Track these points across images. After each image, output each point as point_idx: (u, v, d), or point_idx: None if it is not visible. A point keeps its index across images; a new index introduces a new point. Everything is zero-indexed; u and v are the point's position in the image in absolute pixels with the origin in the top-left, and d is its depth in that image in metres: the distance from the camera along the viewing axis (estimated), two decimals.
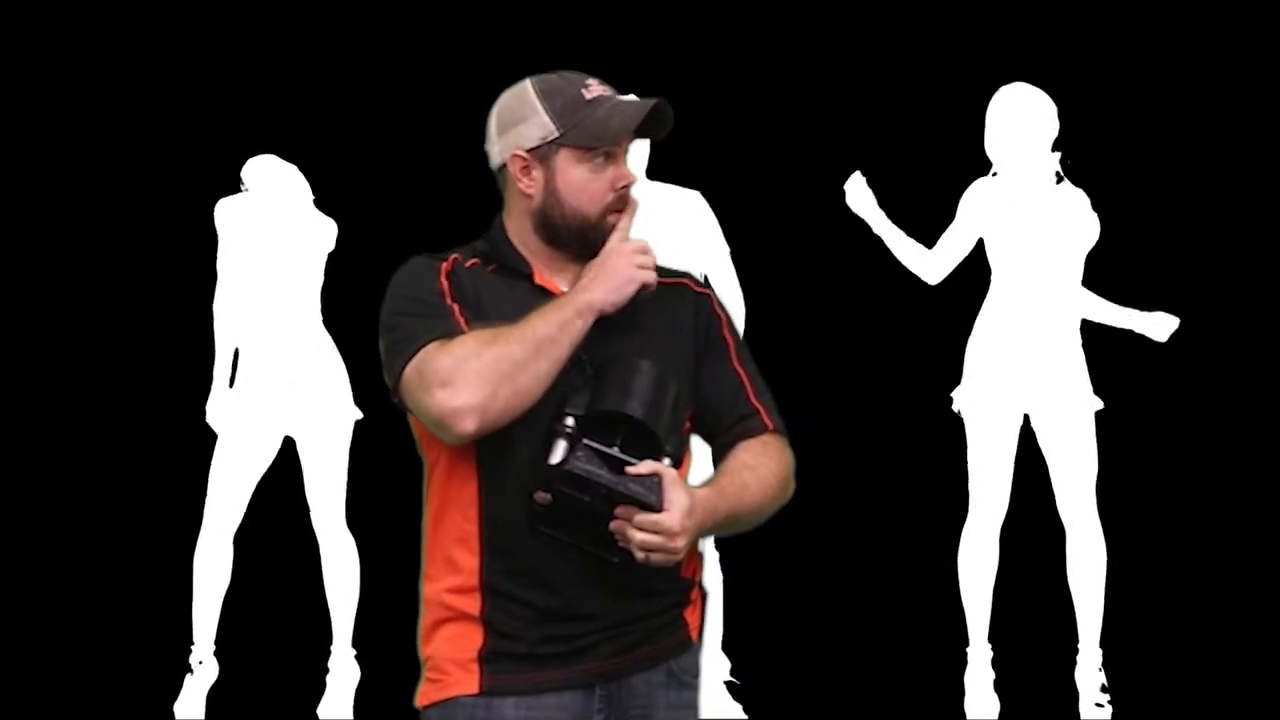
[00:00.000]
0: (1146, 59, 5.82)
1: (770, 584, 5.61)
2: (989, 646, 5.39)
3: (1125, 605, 5.40)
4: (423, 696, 2.53)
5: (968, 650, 5.41)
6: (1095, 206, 5.34)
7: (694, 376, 2.55)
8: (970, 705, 5.37)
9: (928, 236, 5.45)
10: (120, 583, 5.68)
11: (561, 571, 2.44)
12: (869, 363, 5.89)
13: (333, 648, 5.47)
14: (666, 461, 2.39)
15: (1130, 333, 5.36)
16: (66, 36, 5.86)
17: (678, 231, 5.40)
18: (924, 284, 5.46)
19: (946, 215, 5.43)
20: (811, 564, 5.83)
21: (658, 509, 2.34)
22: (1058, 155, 5.33)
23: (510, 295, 2.49)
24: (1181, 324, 5.36)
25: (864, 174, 5.51)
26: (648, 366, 2.40)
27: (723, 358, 2.59)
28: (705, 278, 5.30)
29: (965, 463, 5.36)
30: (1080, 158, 5.35)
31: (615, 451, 2.35)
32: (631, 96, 2.60)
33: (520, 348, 2.37)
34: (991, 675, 5.38)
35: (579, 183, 2.50)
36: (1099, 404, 5.31)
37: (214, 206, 5.44)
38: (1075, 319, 5.33)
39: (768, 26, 6.02)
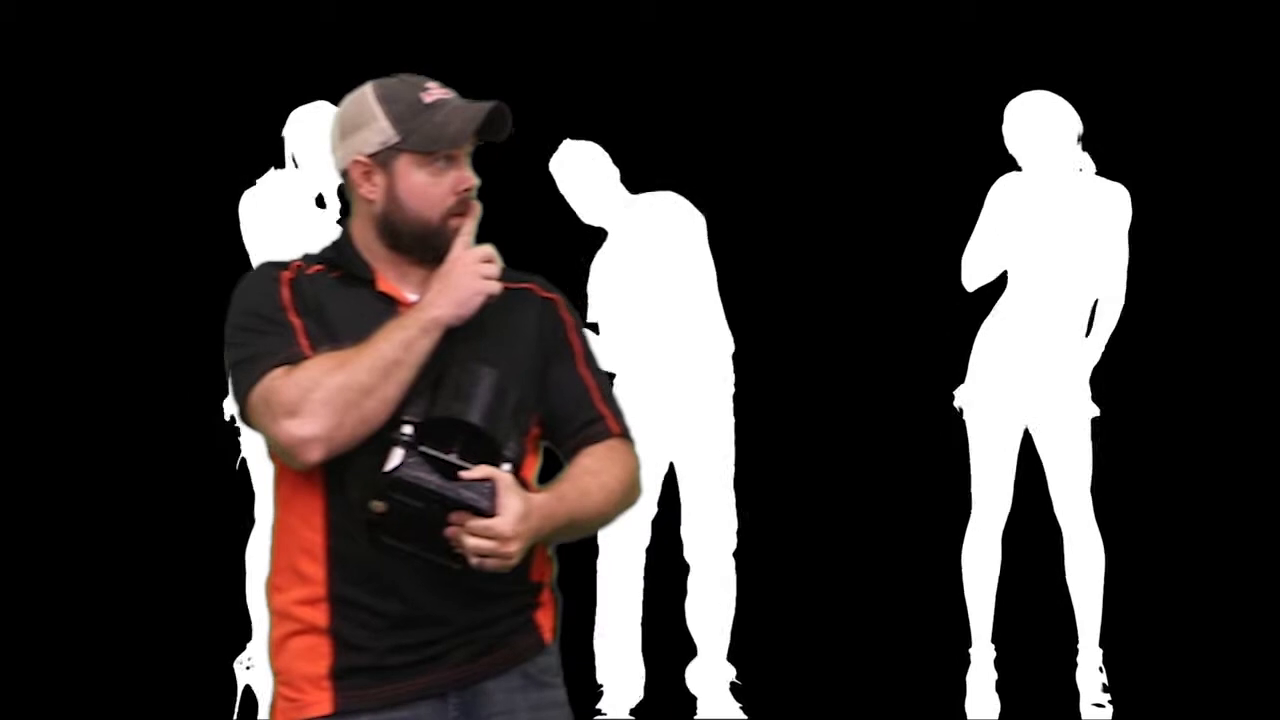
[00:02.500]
0: (1147, 62, 5.84)
1: (771, 584, 5.63)
2: (992, 647, 5.41)
3: (1125, 606, 5.41)
4: (279, 714, 2.53)
5: (970, 650, 5.42)
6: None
7: (540, 381, 2.55)
8: (972, 705, 5.39)
9: (924, 238, 5.47)
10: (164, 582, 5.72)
11: (408, 578, 2.44)
12: (871, 362, 5.91)
13: None
14: (505, 467, 2.38)
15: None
16: (66, 35, 5.91)
17: (664, 238, 5.42)
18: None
19: (943, 217, 5.46)
20: (814, 564, 5.85)
21: (490, 514, 2.34)
22: (1085, 155, 5.32)
23: (352, 302, 2.50)
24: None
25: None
26: (486, 372, 2.39)
27: (569, 363, 2.58)
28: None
29: (968, 463, 5.37)
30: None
31: (452, 458, 2.35)
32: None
33: (366, 374, 2.38)
34: (994, 675, 5.39)
35: (420, 187, 2.49)
36: (1095, 411, 5.32)
37: (236, 202, 5.33)
38: (1083, 327, 5.32)
39: (766, 31, 6.04)
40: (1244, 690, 5.43)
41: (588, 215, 5.50)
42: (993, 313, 5.33)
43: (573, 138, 5.53)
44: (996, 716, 5.35)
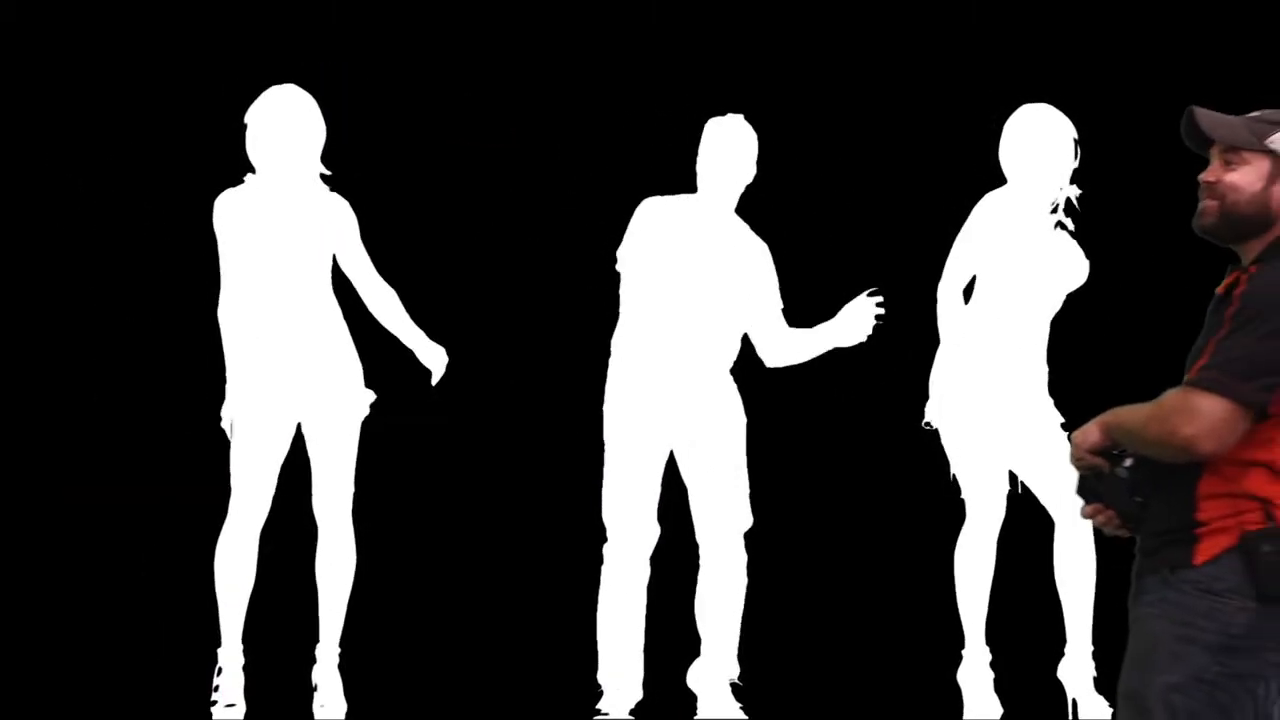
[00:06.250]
0: (1149, 63, 5.85)
1: (771, 585, 5.63)
2: (986, 648, 5.42)
3: (1117, 602, 5.41)
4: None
5: (963, 652, 5.44)
6: (1096, 221, 5.37)
7: None
8: (968, 706, 5.40)
9: (929, 247, 5.48)
10: (143, 585, 5.70)
11: None
12: (868, 365, 5.92)
13: (318, 649, 5.26)
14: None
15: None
16: (66, 35, 5.92)
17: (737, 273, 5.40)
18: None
19: (942, 217, 5.46)
20: (813, 565, 5.86)
21: None
22: (1073, 189, 5.34)
23: None
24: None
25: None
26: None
27: None
28: None
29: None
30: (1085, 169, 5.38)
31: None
32: None
33: None
34: (990, 676, 5.40)
35: None
36: (1059, 420, 5.32)
37: (214, 200, 5.25)
38: (1043, 345, 5.36)
39: (766, 32, 6.05)
40: None
41: (720, 193, 5.37)
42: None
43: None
44: (997, 718, 5.36)
